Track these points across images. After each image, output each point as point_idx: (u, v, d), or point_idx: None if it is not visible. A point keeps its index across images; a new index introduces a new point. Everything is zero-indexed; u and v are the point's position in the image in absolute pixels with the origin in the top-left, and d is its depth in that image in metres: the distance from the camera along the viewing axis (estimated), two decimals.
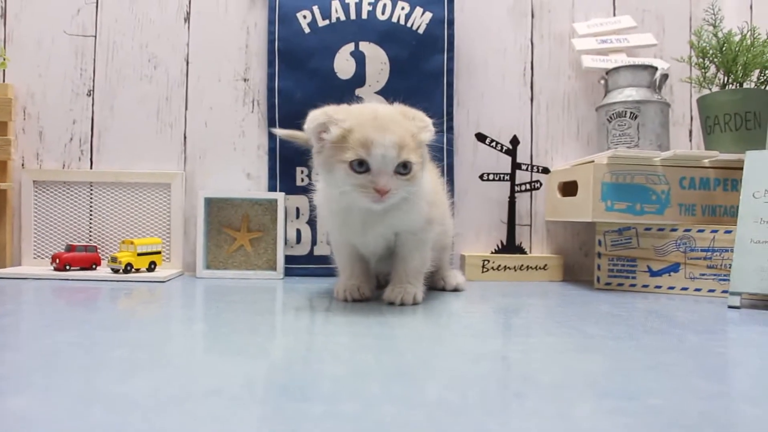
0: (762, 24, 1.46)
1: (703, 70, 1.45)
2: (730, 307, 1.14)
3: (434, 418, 0.47)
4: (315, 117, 0.93)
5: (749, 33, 1.39)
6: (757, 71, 1.41)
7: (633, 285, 1.35)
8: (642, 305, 1.14)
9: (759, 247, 1.16)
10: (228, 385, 0.55)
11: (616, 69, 1.47)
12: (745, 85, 1.40)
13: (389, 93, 1.53)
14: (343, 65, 1.53)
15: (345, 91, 1.53)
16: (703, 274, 1.30)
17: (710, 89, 1.43)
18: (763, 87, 1.40)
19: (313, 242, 1.54)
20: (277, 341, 0.78)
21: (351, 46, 1.53)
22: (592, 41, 1.56)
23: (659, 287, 1.33)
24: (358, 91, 1.53)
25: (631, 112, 1.41)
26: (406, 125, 0.93)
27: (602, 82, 1.50)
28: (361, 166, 0.90)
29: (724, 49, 1.41)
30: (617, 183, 1.32)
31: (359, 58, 1.53)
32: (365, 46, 1.53)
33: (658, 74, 1.44)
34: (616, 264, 1.36)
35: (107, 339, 0.75)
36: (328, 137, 0.91)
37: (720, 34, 1.42)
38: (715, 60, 1.43)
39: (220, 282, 1.38)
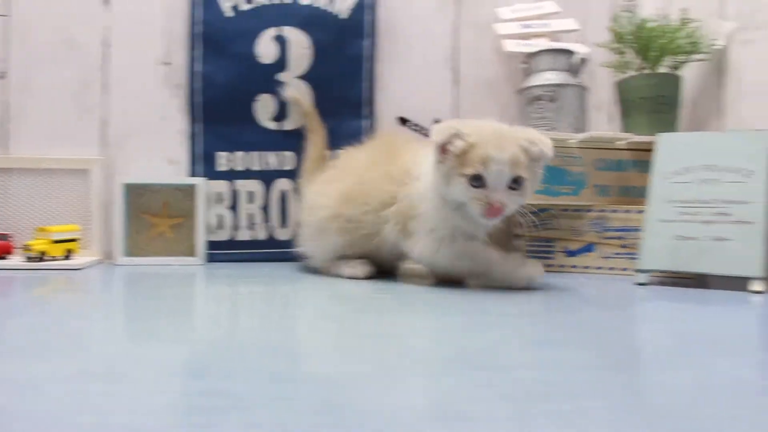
0: (677, 11, 1.48)
1: (620, 55, 1.47)
2: (638, 284, 1.16)
3: (309, 391, 0.47)
4: (443, 129, 0.98)
5: (663, 19, 1.41)
6: (670, 57, 1.43)
7: (551, 266, 1.36)
8: (558, 284, 1.15)
9: (666, 226, 1.18)
10: (133, 369, 0.53)
11: (536, 53, 1.48)
12: (660, 70, 1.42)
13: (312, 78, 1.53)
14: (266, 50, 1.51)
15: (267, 76, 1.52)
16: (617, 254, 1.32)
17: (628, 74, 1.45)
18: (675, 72, 1.42)
19: (235, 227, 1.53)
20: (191, 326, 0.77)
21: (273, 31, 1.52)
22: (515, 26, 1.57)
23: (575, 267, 1.35)
24: (280, 76, 1.52)
25: (549, 96, 1.43)
26: (521, 143, 0.97)
27: (523, 66, 1.51)
28: (477, 180, 0.95)
29: (639, 34, 1.43)
30: None
31: (282, 42, 1.52)
32: (288, 31, 1.52)
33: (576, 59, 1.46)
34: (534, 245, 1.37)
35: (14, 325, 0.72)
36: (453, 149, 0.96)
37: (636, 20, 1.44)
38: (632, 45, 1.44)
39: (139, 269, 1.36)
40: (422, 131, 1.53)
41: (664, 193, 1.22)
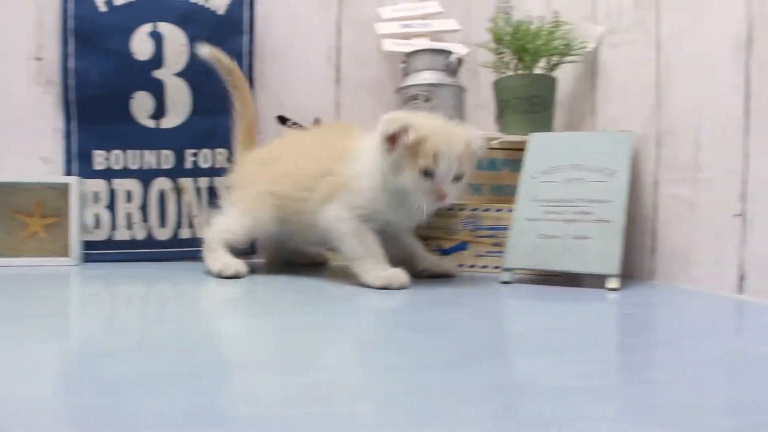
0: (562, 12, 1.52)
1: (499, 56, 1.49)
2: (502, 282, 1.18)
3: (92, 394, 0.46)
4: (393, 120, 1.02)
5: (538, 21, 1.44)
6: (545, 58, 1.45)
7: None
8: (425, 282, 1.15)
9: (532, 224, 1.20)
10: None
11: (414, 53, 1.49)
12: (536, 71, 1.45)
13: (190, 75, 1.50)
14: (141, 46, 1.49)
15: (143, 73, 1.49)
16: (489, 252, 1.34)
17: (506, 74, 1.47)
18: (549, 73, 1.45)
19: (113, 227, 1.49)
20: (60, 326, 0.74)
21: (149, 26, 1.49)
22: (396, 26, 1.57)
23: None
24: (156, 73, 1.49)
25: (424, 95, 1.44)
26: (465, 139, 1.05)
27: (402, 66, 1.52)
28: (428, 173, 1.01)
29: (516, 35, 1.45)
30: None
31: (157, 38, 1.49)
32: (163, 27, 1.49)
33: (452, 58, 1.47)
34: None
35: None
36: (405, 140, 1.01)
37: (512, 22, 1.46)
38: (509, 46, 1.47)
39: (10, 270, 1.32)
40: (302, 130, 1.53)
41: (531, 192, 1.25)
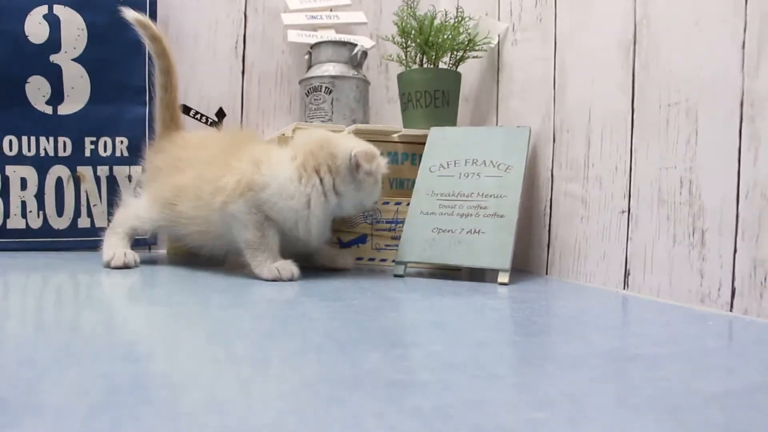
0: (467, 8, 1.52)
1: (404, 50, 1.49)
2: (395, 275, 1.17)
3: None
4: (370, 156, 1.11)
5: (442, 15, 1.44)
6: (449, 53, 1.45)
7: None
8: (316, 275, 1.14)
9: (426, 218, 1.20)
10: None
11: (318, 44, 1.48)
12: (441, 66, 1.44)
13: (88, 61, 1.46)
14: (36, 28, 1.43)
15: (39, 57, 1.44)
16: (388, 245, 1.33)
17: (411, 68, 1.46)
18: (454, 68, 1.45)
19: (6, 215, 1.44)
20: None
21: (44, 9, 1.44)
22: (302, 16, 1.55)
23: None
24: (53, 57, 1.44)
25: (326, 87, 1.43)
26: None
27: (306, 57, 1.50)
28: None
29: (421, 29, 1.44)
30: None
31: (54, 21, 1.44)
32: (60, 10, 1.44)
33: (356, 51, 1.46)
34: None
35: None
36: (381, 170, 1.14)
37: (417, 15, 1.46)
38: (414, 40, 1.46)
39: None
40: (205, 120, 1.50)
41: (428, 186, 1.25)
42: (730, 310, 0.86)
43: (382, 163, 1.12)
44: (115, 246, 1.18)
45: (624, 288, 1.05)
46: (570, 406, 0.45)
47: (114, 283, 1.02)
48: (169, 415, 0.40)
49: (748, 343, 0.70)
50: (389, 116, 1.66)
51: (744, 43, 0.85)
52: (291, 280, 1.06)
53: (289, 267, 1.07)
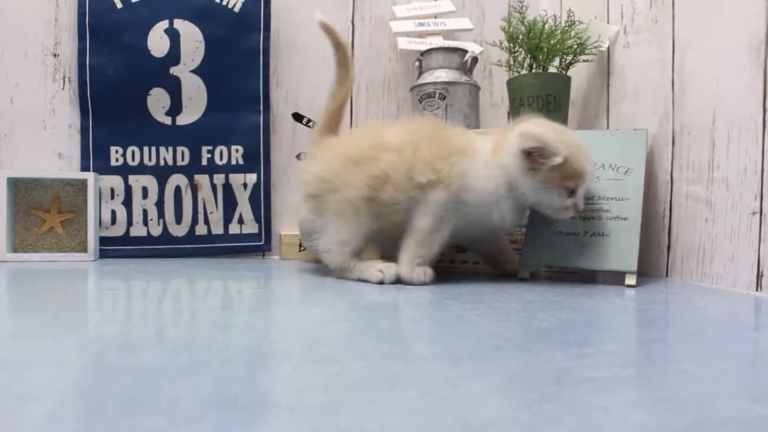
0: (575, 11, 1.52)
1: (513, 55, 1.50)
2: (520, 278, 1.18)
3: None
4: (531, 135, 1.01)
5: (552, 20, 1.44)
6: (558, 57, 1.46)
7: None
8: (446, 281, 1.16)
9: (548, 221, 1.20)
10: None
11: (429, 51, 1.50)
12: (550, 70, 1.45)
13: (205, 72, 1.51)
14: (157, 43, 1.50)
15: (160, 70, 1.50)
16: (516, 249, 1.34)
17: (520, 73, 1.47)
18: (563, 72, 1.46)
19: (129, 223, 1.51)
20: (83, 318, 0.75)
21: (165, 23, 1.50)
22: (410, 24, 1.58)
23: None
24: (172, 70, 1.51)
25: (439, 93, 1.45)
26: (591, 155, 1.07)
27: (417, 64, 1.53)
28: (571, 191, 1.04)
29: (530, 35, 1.45)
30: None
31: (173, 35, 1.50)
32: (180, 24, 1.50)
33: (467, 57, 1.48)
34: None
35: None
36: (552, 162, 1.01)
37: (526, 21, 1.47)
38: (523, 45, 1.47)
39: (26, 265, 1.33)
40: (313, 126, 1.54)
41: None
42: None
43: (558, 151, 1.01)
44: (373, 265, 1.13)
45: (757, 290, 1.04)
46: None
47: (261, 289, 1.06)
48: (397, 411, 0.42)
49: None
50: (493, 121, 1.67)
51: None
52: (424, 284, 1.08)
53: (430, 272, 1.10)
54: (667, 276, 1.25)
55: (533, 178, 1.04)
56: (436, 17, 1.63)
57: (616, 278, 1.14)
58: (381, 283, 1.08)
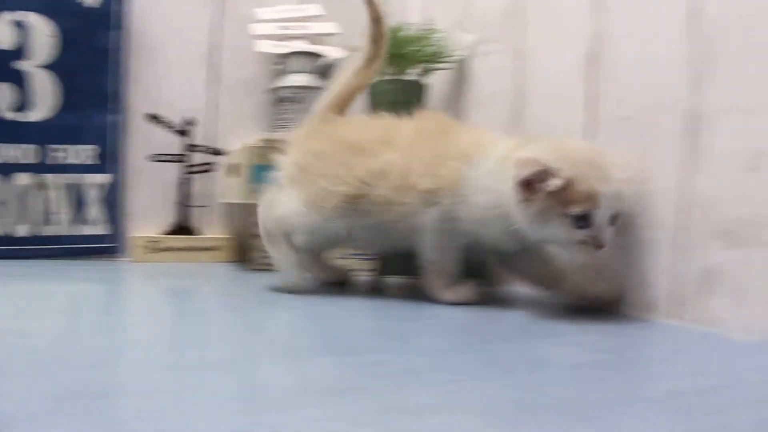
0: (439, 20, 1.53)
1: None
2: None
3: None
4: (528, 163, 0.82)
5: (412, 28, 1.45)
6: (418, 64, 1.47)
7: None
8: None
9: None
10: None
11: (287, 55, 1.49)
12: (410, 77, 1.46)
13: (57, 68, 1.47)
14: (4, 34, 1.44)
15: (5, 63, 1.44)
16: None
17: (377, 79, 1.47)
18: (421, 78, 1.47)
19: None
20: None
21: (13, 15, 1.44)
22: (273, 27, 1.57)
23: None
24: (21, 64, 1.45)
25: (293, 97, 1.44)
26: (620, 170, 0.85)
27: (276, 67, 1.52)
28: (583, 220, 0.81)
29: (391, 41, 1.45)
30: (268, 165, 1.33)
31: (22, 27, 1.44)
32: (28, 16, 1.45)
33: (325, 62, 1.47)
34: None
35: None
36: (547, 188, 0.81)
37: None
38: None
39: None
40: (174, 129, 1.51)
41: None
42: None
43: (557, 172, 0.81)
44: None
45: None
46: None
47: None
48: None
49: None
50: None
51: (689, 62, 0.87)
52: (468, 303, 0.97)
53: (467, 292, 0.99)
54: None
55: (527, 210, 0.84)
56: (302, 21, 1.61)
57: None
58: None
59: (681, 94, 0.90)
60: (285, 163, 1.08)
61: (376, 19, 1.11)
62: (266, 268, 1.35)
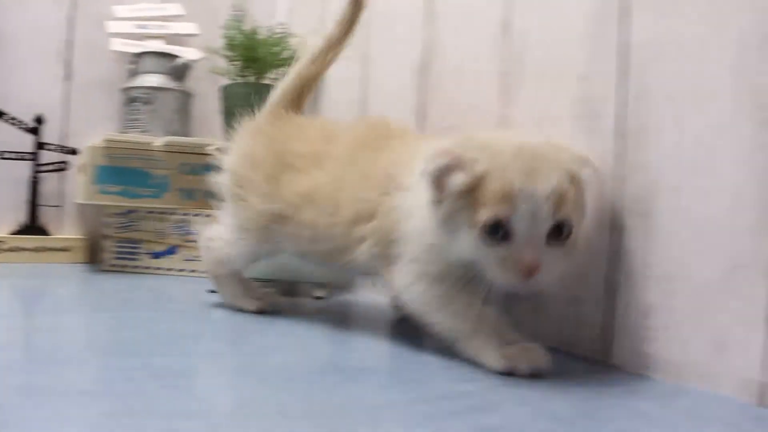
0: (292, 24, 1.55)
1: (232, 63, 1.51)
2: (210, 291, 1.11)
3: None
4: (438, 157, 0.62)
5: (268, 31, 1.47)
6: (275, 68, 1.49)
7: (137, 267, 1.37)
8: (125, 285, 1.17)
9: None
10: None
11: (141, 54, 1.49)
12: (266, 81, 1.48)
13: None
14: None
15: None
16: (198, 257, 1.34)
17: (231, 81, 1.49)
18: (275, 82, 1.48)
19: None
20: None
21: None
22: (130, 25, 1.56)
23: (160, 269, 1.37)
24: None
25: (144, 98, 1.44)
26: (567, 165, 0.61)
27: (130, 66, 1.51)
28: (496, 231, 0.59)
29: (246, 44, 1.47)
30: (113, 166, 1.33)
31: None
32: None
33: (178, 62, 1.48)
34: (123, 246, 1.37)
35: None
36: (452, 186, 0.61)
37: (244, 30, 1.48)
38: (240, 54, 1.49)
39: None
40: (22, 126, 1.48)
41: None
42: None
43: (465, 165, 0.60)
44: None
45: None
46: None
47: None
48: None
49: None
50: (212, 129, 1.67)
51: (501, 76, 0.92)
52: (535, 371, 0.63)
53: (533, 352, 0.64)
54: None
55: (437, 213, 0.64)
56: (162, 20, 1.61)
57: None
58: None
59: (494, 106, 0.93)
60: (224, 170, 0.94)
61: (357, 2, 0.93)
62: (117, 269, 1.36)
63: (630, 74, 0.70)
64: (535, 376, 0.61)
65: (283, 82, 0.99)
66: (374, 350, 0.78)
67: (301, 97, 0.98)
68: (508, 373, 0.62)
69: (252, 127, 0.95)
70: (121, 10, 1.60)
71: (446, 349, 0.67)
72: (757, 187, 0.56)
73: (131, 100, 1.45)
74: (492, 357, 0.63)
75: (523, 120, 0.87)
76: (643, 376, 0.65)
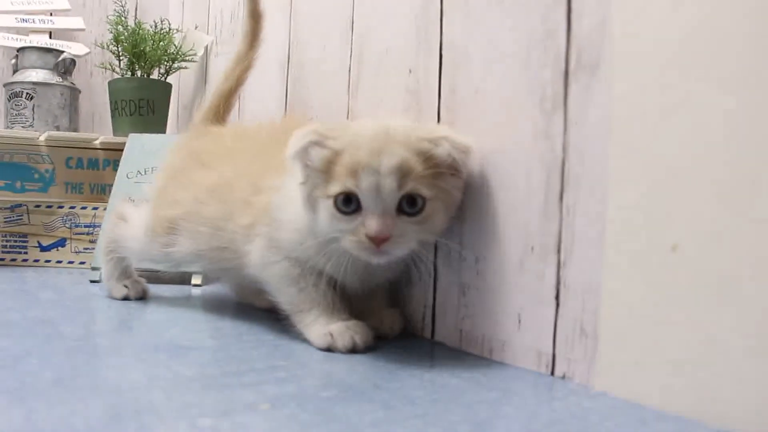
0: (178, 20, 1.58)
1: (118, 58, 1.53)
2: (92, 281, 1.18)
3: None
4: (301, 136, 0.65)
5: (153, 26, 1.50)
6: (161, 63, 1.52)
7: (25, 260, 1.38)
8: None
9: None
10: None
11: (23, 49, 1.49)
12: (155, 76, 1.50)
13: None
14: None
15: None
16: (87, 248, 1.38)
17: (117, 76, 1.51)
18: (162, 77, 1.52)
19: None
20: None
21: None
22: (12, 19, 1.56)
23: (49, 261, 1.38)
24: None
25: (27, 93, 1.45)
26: (418, 143, 0.64)
27: (13, 61, 1.52)
28: (348, 203, 0.62)
29: (132, 39, 1.50)
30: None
31: None
32: None
33: (63, 58, 1.49)
34: (9, 240, 1.38)
35: None
36: (311, 162, 0.65)
37: (129, 25, 1.51)
38: (126, 49, 1.51)
39: None
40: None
41: (125, 192, 1.28)
42: None
43: (324, 142, 0.65)
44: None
45: None
46: None
47: None
48: None
49: None
50: (101, 125, 1.69)
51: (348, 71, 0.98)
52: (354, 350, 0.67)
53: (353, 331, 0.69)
54: None
55: (302, 192, 0.68)
56: (47, 14, 1.62)
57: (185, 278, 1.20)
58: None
59: (343, 99, 0.98)
60: (154, 178, 0.98)
61: (254, 14, 0.99)
62: (4, 263, 1.37)
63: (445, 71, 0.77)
64: (353, 351, 0.67)
65: (205, 101, 1.03)
66: (221, 331, 0.81)
67: (222, 111, 1.00)
68: (327, 349, 0.67)
69: (175, 145, 0.98)
70: (3, 3, 1.59)
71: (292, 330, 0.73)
72: (544, 173, 0.63)
73: (15, 95, 1.47)
74: (315, 334, 0.69)
75: (365, 112, 0.93)
76: (461, 351, 0.70)
